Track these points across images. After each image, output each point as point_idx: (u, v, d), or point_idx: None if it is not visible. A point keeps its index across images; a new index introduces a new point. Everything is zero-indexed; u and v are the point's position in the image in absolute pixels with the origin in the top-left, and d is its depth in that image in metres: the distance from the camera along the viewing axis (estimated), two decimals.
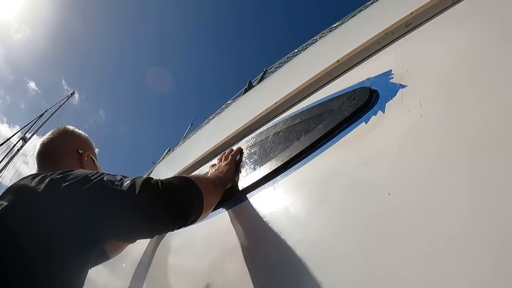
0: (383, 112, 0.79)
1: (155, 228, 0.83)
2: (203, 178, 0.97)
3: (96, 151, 1.27)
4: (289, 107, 1.17)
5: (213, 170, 1.15)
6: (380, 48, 1.00)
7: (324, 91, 1.07)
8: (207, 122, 2.34)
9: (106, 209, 0.78)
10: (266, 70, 2.37)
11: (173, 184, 0.83)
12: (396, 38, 0.99)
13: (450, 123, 0.65)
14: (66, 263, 0.76)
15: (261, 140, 1.14)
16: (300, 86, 1.14)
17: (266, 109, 1.24)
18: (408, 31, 0.98)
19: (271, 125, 1.17)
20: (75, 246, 0.77)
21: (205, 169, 1.41)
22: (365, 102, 0.83)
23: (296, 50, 2.14)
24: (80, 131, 1.23)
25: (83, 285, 0.84)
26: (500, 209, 0.48)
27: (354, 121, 0.83)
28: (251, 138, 1.24)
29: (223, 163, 1.17)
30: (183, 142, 2.54)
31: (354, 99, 0.87)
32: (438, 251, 0.51)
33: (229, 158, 1.19)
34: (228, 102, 2.46)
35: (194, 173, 1.55)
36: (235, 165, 1.17)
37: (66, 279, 0.76)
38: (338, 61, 1.06)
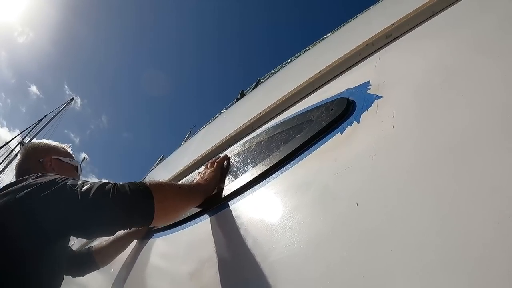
0: (358, 123, 0.79)
1: (102, 228, 0.92)
2: (166, 184, 1.02)
3: (65, 147, 1.37)
4: (272, 117, 1.18)
5: (198, 177, 1.17)
6: (361, 59, 1.01)
7: (307, 101, 1.08)
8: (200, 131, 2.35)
9: (64, 208, 0.87)
10: (259, 79, 2.39)
11: (123, 188, 0.90)
12: (377, 50, 1.00)
13: (420, 134, 0.65)
14: (25, 258, 0.85)
15: (245, 150, 1.15)
16: (284, 96, 1.15)
17: (251, 119, 1.25)
18: (388, 42, 0.99)
19: (255, 134, 1.18)
20: (36, 242, 0.86)
21: (192, 177, 1.42)
22: (341, 112, 0.84)
23: (288, 60, 2.15)
24: (39, 141, 1.35)
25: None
26: (467, 222, 0.48)
27: (331, 132, 0.84)
28: (236, 147, 1.25)
29: (208, 170, 1.19)
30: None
31: (332, 110, 0.88)
32: (398, 261, 0.51)
33: (215, 165, 1.20)
34: (222, 111, 2.47)
35: (182, 180, 1.56)
36: (221, 172, 1.18)
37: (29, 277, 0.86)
38: (320, 72, 1.07)
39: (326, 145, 0.82)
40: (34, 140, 1.36)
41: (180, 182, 1.57)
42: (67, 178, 0.93)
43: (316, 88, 1.08)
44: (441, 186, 0.54)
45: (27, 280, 0.86)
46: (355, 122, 0.80)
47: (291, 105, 1.14)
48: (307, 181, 0.79)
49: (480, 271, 0.42)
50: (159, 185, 0.97)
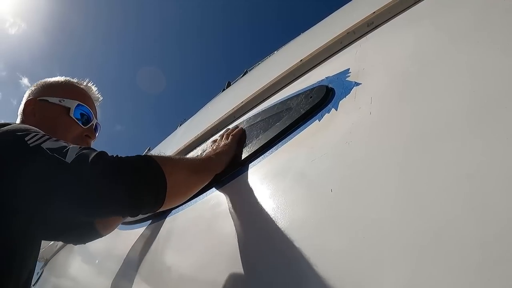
0: (336, 110, 0.78)
1: (94, 212, 0.72)
2: (173, 157, 0.84)
3: (68, 81, 1.01)
4: (254, 106, 1.16)
5: (210, 149, 1.00)
6: (342, 48, 1.00)
7: (288, 89, 1.06)
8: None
9: (39, 180, 0.65)
10: (246, 71, 2.36)
11: (131, 163, 0.68)
12: (358, 38, 0.99)
13: (397, 120, 0.64)
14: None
15: None
16: (265, 85, 1.14)
17: (233, 108, 1.24)
18: (370, 30, 0.97)
19: (237, 123, 1.16)
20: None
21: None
22: (320, 100, 0.83)
23: (275, 52, 2.13)
24: (43, 80, 1.00)
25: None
26: (439, 210, 0.47)
27: (309, 119, 0.83)
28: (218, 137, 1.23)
29: (222, 142, 1.00)
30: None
31: (311, 97, 0.87)
32: (371, 248, 0.50)
33: (229, 138, 1.01)
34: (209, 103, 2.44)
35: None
36: (236, 148, 0.99)
37: None
38: (301, 60, 1.06)
39: (304, 133, 0.81)
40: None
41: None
42: (41, 137, 0.67)
43: (298, 77, 1.07)
44: (416, 173, 0.53)
45: None
46: (333, 109, 0.79)
47: (272, 93, 1.12)
48: (284, 169, 0.78)
49: (452, 262, 0.41)
50: (165, 158, 0.77)
